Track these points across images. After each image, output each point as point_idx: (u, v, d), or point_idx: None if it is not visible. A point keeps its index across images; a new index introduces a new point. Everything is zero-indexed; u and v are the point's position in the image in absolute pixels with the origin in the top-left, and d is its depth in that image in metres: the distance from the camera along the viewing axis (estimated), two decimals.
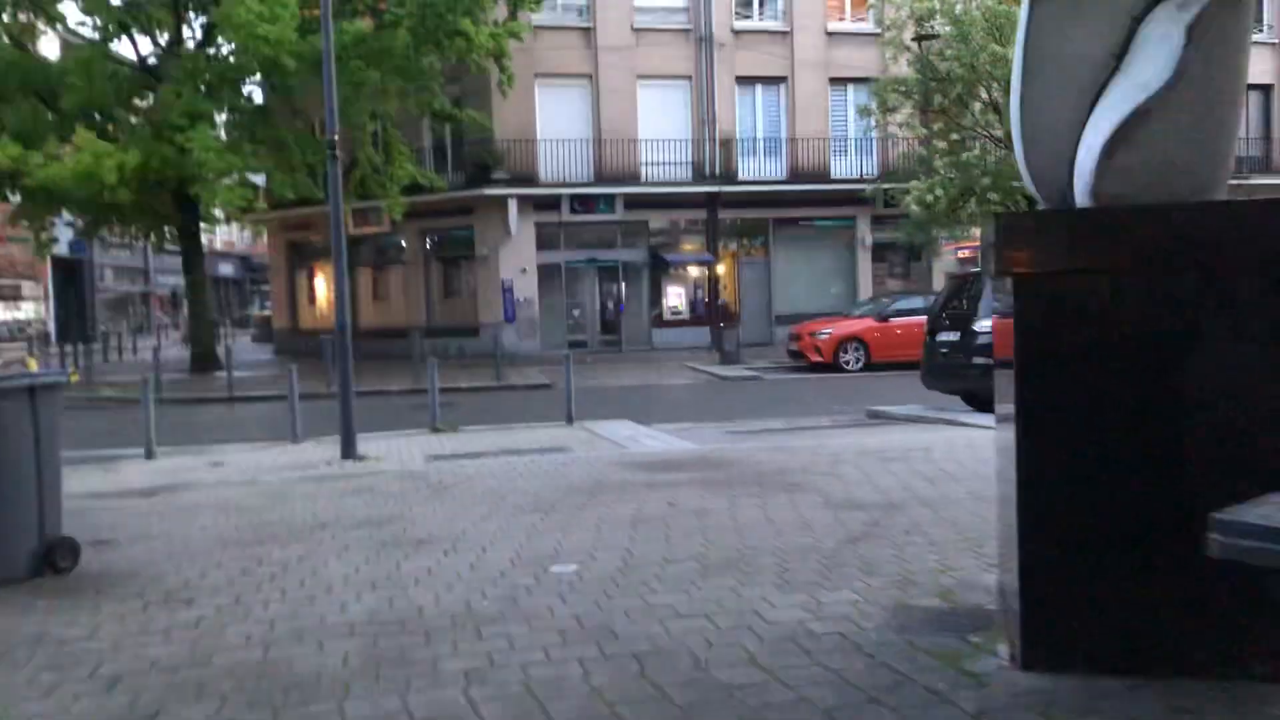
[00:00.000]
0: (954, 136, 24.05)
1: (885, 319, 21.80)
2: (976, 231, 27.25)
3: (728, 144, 28.90)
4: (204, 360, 25.29)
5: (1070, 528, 3.72)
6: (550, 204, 27.67)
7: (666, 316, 29.27)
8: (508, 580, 5.49)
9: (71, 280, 49.52)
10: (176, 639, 4.67)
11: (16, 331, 43.30)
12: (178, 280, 62.05)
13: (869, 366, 21.56)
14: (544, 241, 28.12)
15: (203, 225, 26.67)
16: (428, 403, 17.42)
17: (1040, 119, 3.94)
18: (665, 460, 9.72)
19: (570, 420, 13.35)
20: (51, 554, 5.93)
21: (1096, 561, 3.70)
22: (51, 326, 45.80)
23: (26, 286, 45.64)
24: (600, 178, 28.01)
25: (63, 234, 35.77)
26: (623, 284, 28.97)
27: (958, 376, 13.54)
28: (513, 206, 26.99)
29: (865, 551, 5.84)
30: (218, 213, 27.16)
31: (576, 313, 28.75)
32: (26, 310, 45.43)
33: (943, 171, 23.74)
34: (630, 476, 8.77)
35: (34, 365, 17.14)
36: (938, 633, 4.35)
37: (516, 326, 27.73)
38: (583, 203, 27.86)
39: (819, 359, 21.60)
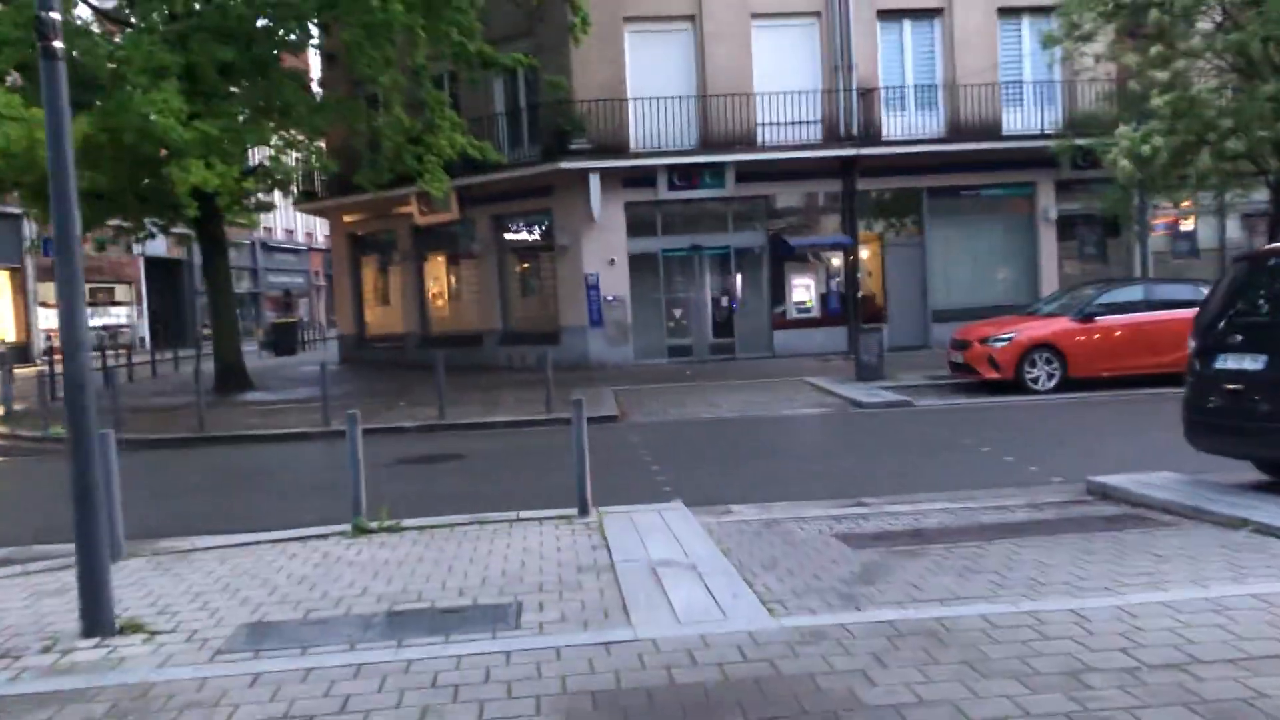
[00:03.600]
0: (1179, 65, 17.52)
1: (1089, 318, 15.63)
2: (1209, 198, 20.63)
3: (868, 96, 22.96)
4: (230, 378, 21.03)
5: None
6: (644, 179, 22.35)
7: (791, 315, 23.53)
8: None
9: (170, 282, 47.11)
10: None
11: (108, 339, 40.92)
12: (292, 279, 60.18)
13: (1065, 384, 15.48)
14: (637, 226, 22.82)
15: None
16: (439, 449, 12.47)
17: None
18: (675, 694, 4.31)
19: (584, 509, 8.03)
20: None
21: None
22: (145, 332, 43.32)
23: (120, 290, 43.26)
24: (706, 144, 22.53)
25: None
26: (736, 276, 23.41)
27: (1262, 435, 7.61)
28: (594, 183, 21.78)
29: None
30: (266, 196, 23.05)
31: (678, 313, 23.31)
32: (119, 315, 43.03)
33: (1163, 113, 17.32)
34: None
35: None
36: None
37: (604, 331, 22.55)
38: (684, 176, 22.42)
39: (995, 374, 15.63)
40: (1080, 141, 20.00)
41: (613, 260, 22.45)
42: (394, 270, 27.27)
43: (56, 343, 37.00)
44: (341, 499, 8.27)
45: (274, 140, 17.80)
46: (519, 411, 15.42)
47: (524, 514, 8.20)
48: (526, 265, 24.82)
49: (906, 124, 23.35)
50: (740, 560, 6.66)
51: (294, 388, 22.01)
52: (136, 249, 43.06)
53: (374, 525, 7.87)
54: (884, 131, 23.15)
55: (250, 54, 16.69)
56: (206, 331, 48.56)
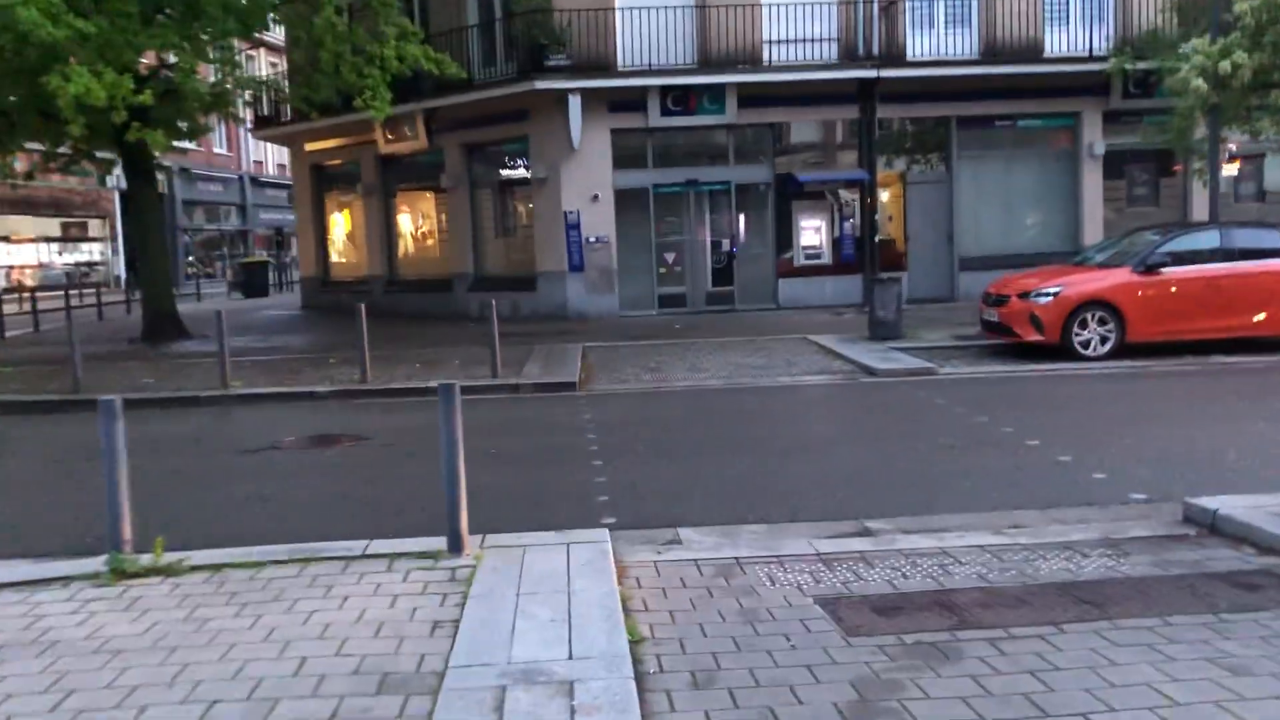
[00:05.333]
0: None
1: (1152, 270, 12.85)
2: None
3: (891, 9, 20.00)
4: (160, 326, 18.56)
5: None
6: (633, 102, 19.53)
7: (799, 261, 20.79)
8: None
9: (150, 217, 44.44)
10: None
11: (79, 276, 38.41)
12: (284, 216, 57.49)
13: (1122, 349, 12.79)
14: (624, 157, 20.05)
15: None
16: (344, 425, 9.99)
17: None
18: None
19: (456, 544, 5.50)
20: None
21: None
22: (120, 270, 40.83)
23: (93, 225, 40.74)
24: (706, 62, 19.68)
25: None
26: (737, 216, 20.67)
27: None
28: (574, 105, 18.98)
29: None
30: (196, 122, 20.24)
31: (671, 258, 20.59)
32: (91, 251, 40.52)
33: (1246, 24, 14.44)
34: None
35: None
36: None
37: (585, 276, 19.89)
38: (679, 99, 19.58)
39: (1036, 336, 12.92)
40: (1142, 65, 17.10)
41: (596, 196, 19.72)
42: (359, 206, 24.58)
43: (17, 280, 34.80)
44: (183, 498, 5.83)
45: (184, 47, 14.96)
46: (461, 374, 12.84)
47: (375, 547, 5.68)
48: (501, 202, 22.11)
49: (934, 43, 20.38)
50: (659, 661, 4.13)
51: (235, 336, 19.51)
52: (110, 181, 40.62)
53: (144, 563, 5.36)
54: (908, 51, 20.22)
55: None
56: (190, 270, 46.42)
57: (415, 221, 23.76)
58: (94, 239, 40.56)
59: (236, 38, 15.60)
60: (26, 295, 26.92)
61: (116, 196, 40.91)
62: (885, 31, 20.01)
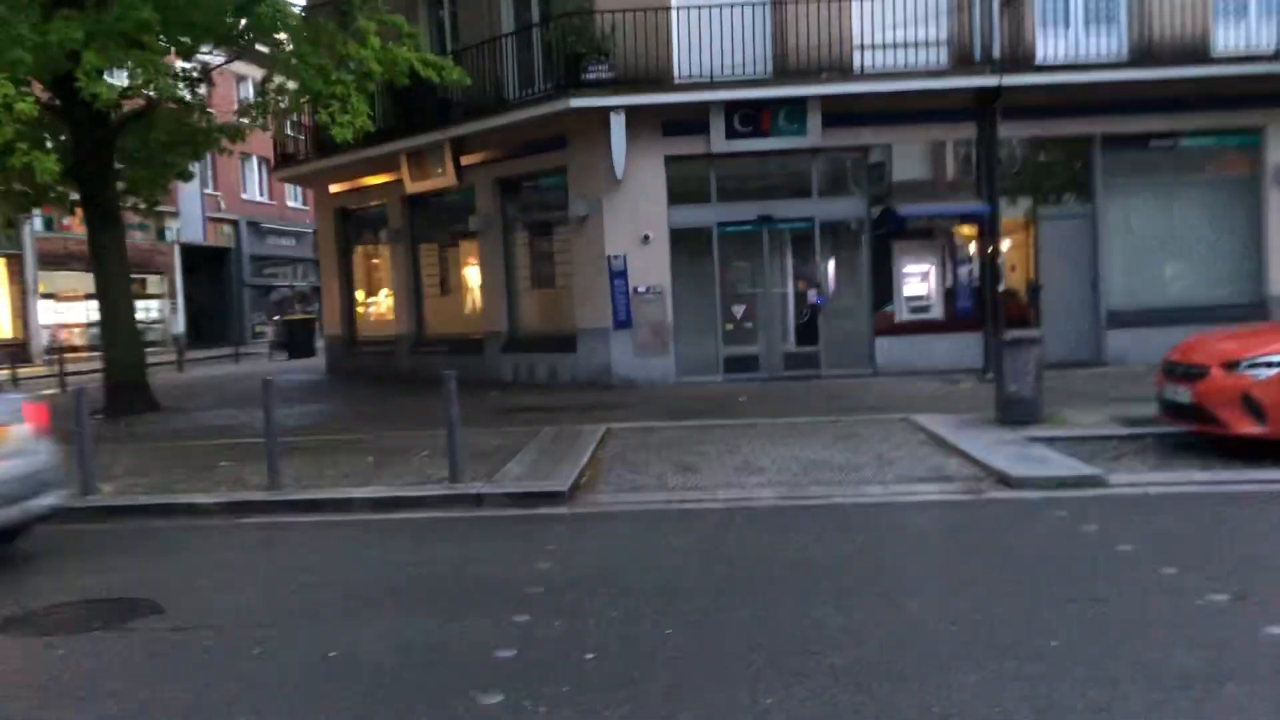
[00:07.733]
0: None
1: None
2: None
3: (1015, 3, 16.06)
4: (125, 397, 15.52)
5: None
6: (692, 122, 15.95)
7: (902, 316, 16.71)
8: None
9: (214, 272, 42.66)
10: None
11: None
12: None
13: None
14: (682, 189, 16.44)
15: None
16: (146, 581, 6.46)
17: None
18: None
19: None
20: None
21: None
22: (180, 328, 38.83)
23: (151, 281, 38.88)
24: (783, 72, 16.01)
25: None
26: (823, 260, 16.82)
27: None
28: (617, 126, 15.47)
29: None
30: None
31: (739, 311, 16.79)
32: (149, 309, 38.58)
33: None
34: None
35: None
36: None
37: (633, 335, 16.25)
38: (750, 118, 15.93)
39: (1253, 429, 8.67)
40: None
41: (647, 237, 16.14)
42: (386, 255, 21.45)
43: (66, 339, 32.86)
44: None
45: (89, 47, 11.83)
46: (415, 477, 9.21)
47: None
48: (539, 247, 18.64)
49: (1070, 44, 16.34)
50: None
51: (212, 410, 16.40)
52: (169, 234, 38.81)
53: None
54: (1038, 54, 16.21)
55: None
56: (259, 328, 44.34)
57: (445, 272, 20.48)
58: (152, 295, 38.64)
59: (168, 37, 12.53)
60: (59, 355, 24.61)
61: (177, 251, 39.21)
62: (1008, 31, 16.07)
